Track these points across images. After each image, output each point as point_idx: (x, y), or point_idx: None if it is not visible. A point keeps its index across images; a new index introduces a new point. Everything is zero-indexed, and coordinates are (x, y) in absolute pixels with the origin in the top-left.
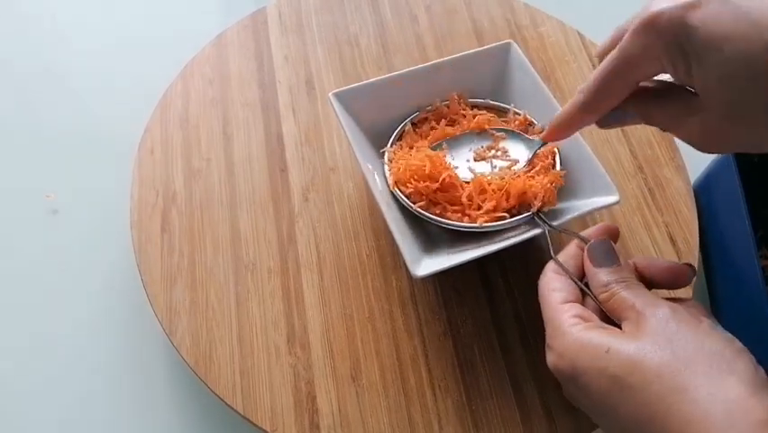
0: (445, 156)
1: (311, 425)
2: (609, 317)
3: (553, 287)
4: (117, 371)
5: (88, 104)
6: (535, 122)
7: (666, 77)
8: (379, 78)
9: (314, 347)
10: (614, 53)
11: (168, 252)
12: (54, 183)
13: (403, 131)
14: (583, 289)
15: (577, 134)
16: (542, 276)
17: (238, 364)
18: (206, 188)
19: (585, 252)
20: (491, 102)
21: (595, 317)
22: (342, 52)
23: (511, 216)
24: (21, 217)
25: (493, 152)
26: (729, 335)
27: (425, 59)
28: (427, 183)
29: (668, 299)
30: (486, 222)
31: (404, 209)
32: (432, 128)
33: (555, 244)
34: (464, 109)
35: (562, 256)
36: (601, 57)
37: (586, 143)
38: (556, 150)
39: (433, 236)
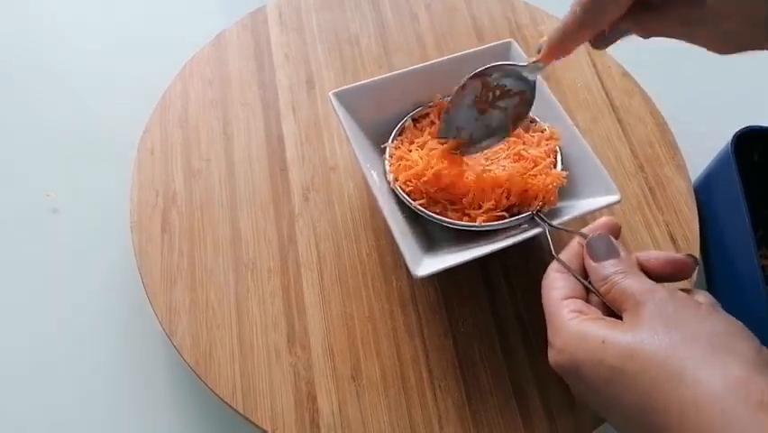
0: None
1: (311, 425)
2: (613, 312)
3: (555, 285)
4: (117, 371)
5: (88, 104)
6: (537, 119)
7: None
8: (379, 77)
9: (314, 347)
10: None
11: (168, 252)
12: (54, 183)
13: (404, 127)
14: (587, 285)
15: (577, 134)
16: (545, 276)
17: (238, 364)
18: (206, 188)
19: (584, 247)
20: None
21: (597, 311)
22: (342, 51)
23: (511, 216)
24: (21, 217)
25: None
26: (731, 317)
27: (425, 57)
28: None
29: None
30: (486, 221)
31: (404, 209)
32: (432, 123)
33: (556, 244)
34: None
35: (565, 255)
36: None
37: (587, 143)
38: (557, 149)
39: (433, 236)
